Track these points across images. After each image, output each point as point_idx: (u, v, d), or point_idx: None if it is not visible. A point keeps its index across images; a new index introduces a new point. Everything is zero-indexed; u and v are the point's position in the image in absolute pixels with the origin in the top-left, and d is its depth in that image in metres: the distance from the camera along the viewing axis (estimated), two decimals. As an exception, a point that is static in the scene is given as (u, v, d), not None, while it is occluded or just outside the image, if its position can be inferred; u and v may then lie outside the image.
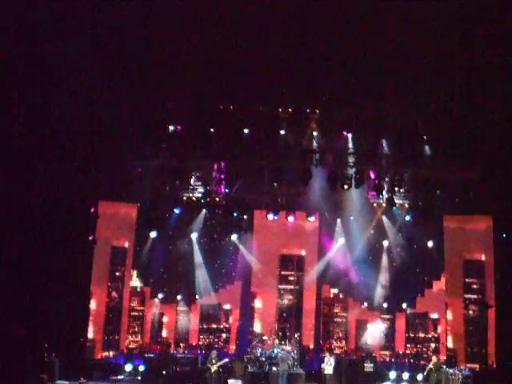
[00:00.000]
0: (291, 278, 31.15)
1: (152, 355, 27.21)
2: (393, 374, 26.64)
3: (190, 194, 30.22)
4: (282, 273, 31.26)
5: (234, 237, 31.03)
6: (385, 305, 30.48)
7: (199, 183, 29.52)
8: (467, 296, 29.22)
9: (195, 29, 22.70)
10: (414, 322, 30.35)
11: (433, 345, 29.82)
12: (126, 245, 29.86)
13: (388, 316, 30.61)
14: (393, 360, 29.64)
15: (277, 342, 27.16)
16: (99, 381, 25.21)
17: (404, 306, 30.43)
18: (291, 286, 31.11)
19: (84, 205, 26.76)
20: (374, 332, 30.11)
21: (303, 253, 31.22)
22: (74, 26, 22.17)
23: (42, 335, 24.35)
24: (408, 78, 24.06)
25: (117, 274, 29.67)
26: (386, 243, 30.75)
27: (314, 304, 30.79)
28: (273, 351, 25.74)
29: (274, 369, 24.84)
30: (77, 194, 25.74)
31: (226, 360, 25.11)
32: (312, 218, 30.54)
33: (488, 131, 25.41)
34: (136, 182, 28.16)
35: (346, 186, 26.59)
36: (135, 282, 30.60)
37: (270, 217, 30.13)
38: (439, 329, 29.89)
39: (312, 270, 30.92)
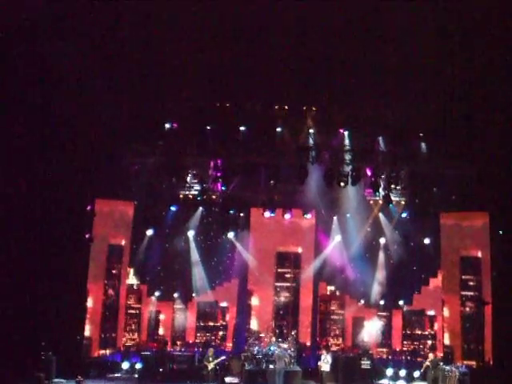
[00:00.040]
0: (288, 276, 31.18)
1: (149, 353, 27.19)
2: (390, 371, 26.66)
3: (187, 192, 30.23)
4: (279, 270, 31.28)
5: (230, 234, 31.03)
6: (381, 302, 30.55)
7: (196, 181, 29.47)
8: (464, 293, 29.24)
9: (192, 27, 22.68)
10: (411, 319, 30.45)
11: (429, 342, 29.91)
12: (123, 243, 29.81)
13: (385, 313, 30.69)
14: (390, 357, 29.71)
15: (274, 339, 27.16)
16: (96, 379, 25.18)
17: (401, 303, 30.50)
18: (288, 284, 31.13)
19: (81, 203, 26.74)
20: (371, 329, 30.15)
21: (300, 250, 31.23)
22: (74, 26, 22.17)
23: (39, 333, 24.33)
24: (404, 76, 24.03)
25: (113, 271, 29.62)
26: (382, 240, 30.79)
27: (311, 301, 30.82)
28: (270, 349, 25.72)
29: (271, 366, 24.82)
30: (73, 192, 25.73)
31: (223, 358, 25.19)
32: (308, 216, 30.59)
33: (484, 128, 25.42)
34: (132, 179, 28.18)
35: (342, 184, 26.54)
36: (132, 279, 30.62)
37: (267, 214, 30.13)
38: (436, 326, 29.98)
39: (309, 267, 30.94)
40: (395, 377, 26.55)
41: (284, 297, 31.06)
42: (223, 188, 29.56)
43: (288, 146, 27.22)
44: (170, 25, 22.53)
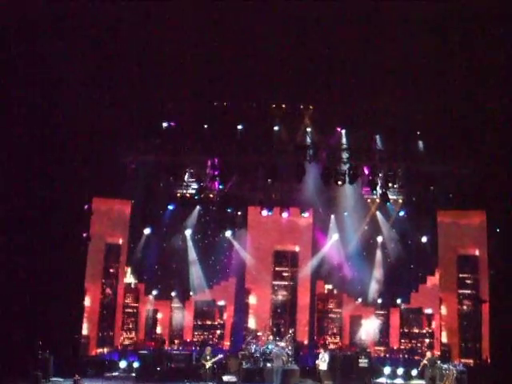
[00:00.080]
0: (285, 274, 31.16)
1: (146, 352, 27.12)
2: (387, 370, 26.56)
3: (184, 191, 30.19)
4: (276, 269, 31.27)
5: (228, 233, 31.04)
6: (379, 300, 30.56)
7: (193, 179, 29.45)
8: (461, 291, 29.22)
9: (189, 27, 22.70)
10: (409, 318, 30.45)
11: (427, 340, 29.92)
12: (120, 241, 29.75)
13: (382, 311, 30.69)
14: (387, 355, 29.76)
15: (271, 338, 27.15)
16: (94, 378, 25.08)
17: (398, 301, 30.50)
18: (285, 282, 31.12)
19: (78, 202, 26.70)
20: (369, 328, 30.14)
21: (297, 249, 31.22)
22: (74, 25, 22.19)
23: (36, 332, 24.31)
24: (401, 75, 24.08)
25: (111, 270, 29.56)
26: (380, 239, 30.81)
27: (309, 300, 30.81)
28: (267, 347, 25.75)
29: (269, 365, 24.86)
30: (71, 191, 25.71)
31: (221, 356, 25.15)
32: (306, 214, 30.57)
33: (482, 127, 25.46)
34: (130, 178, 28.11)
35: (339, 182, 26.54)
36: (129, 278, 30.59)
37: (264, 213, 30.11)
38: (433, 324, 29.98)
39: (306, 265, 30.92)
40: (393, 375, 26.49)
41: (281, 295, 31.04)
42: (221, 186, 29.57)
43: (285, 145, 27.24)
44: (168, 24, 22.58)
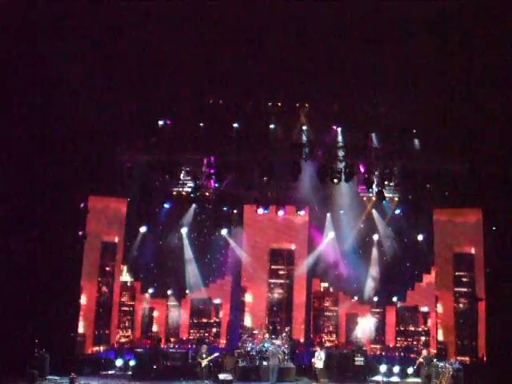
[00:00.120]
0: (281, 272, 31.14)
1: (142, 350, 27.20)
2: (383, 368, 26.53)
3: (180, 189, 30.15)
4: (272, 267, 31.24)
5: (224, 231, 31.00)
6: (375, 298, 30.55)
7: (189, 178, 29.31)
8: (457, 289, 29.22)
9: (186, 26, 22.72)
10: (405, 316, 30.44)
11: (423, 338, 29.92)
12: (116, 240, 29.72)
13: (378, 309, 30.68)
14: (383, 353, 29.75)
15: (267, 336, 27.21)
16: (90, 376, 25.07)
17: (394, 299, 30.49)
18: (281, 280, 31.10)
19: (74, 200, 26.70)
20: (365, 326, 30.18)
21: (293, 247, 31.20)
22: (74, 25, 22.19)
23: (33, 330, 24.32)
24: (397, 73, 24.11)
25: (107, 268, 29.53)
26: (375, 237, 30.74)
27: (305, 298, 30.80)
28: (263, 345, 25.82)
29: (265, 363, 24.92)
30: (67, 189, 25.73)
31: (217, 354, 25.25)
32: (302, 212, 30.55)
33: (478, 125, 25.47)
34: (126, 176, 28.04)
35: (335, 180, 26.49)
36: (125, 276, 30.55)
37: (260, 211, 30.03)
38: (429, 322, 29.97)
39: (302, 264, 30.92)
40: (389, 373, 26.44)
41: (277, 293, 31.02)
42: (216, 185, 29.49)
43: (281, 143, 27.22)
44: (166, 24, 22.60)
